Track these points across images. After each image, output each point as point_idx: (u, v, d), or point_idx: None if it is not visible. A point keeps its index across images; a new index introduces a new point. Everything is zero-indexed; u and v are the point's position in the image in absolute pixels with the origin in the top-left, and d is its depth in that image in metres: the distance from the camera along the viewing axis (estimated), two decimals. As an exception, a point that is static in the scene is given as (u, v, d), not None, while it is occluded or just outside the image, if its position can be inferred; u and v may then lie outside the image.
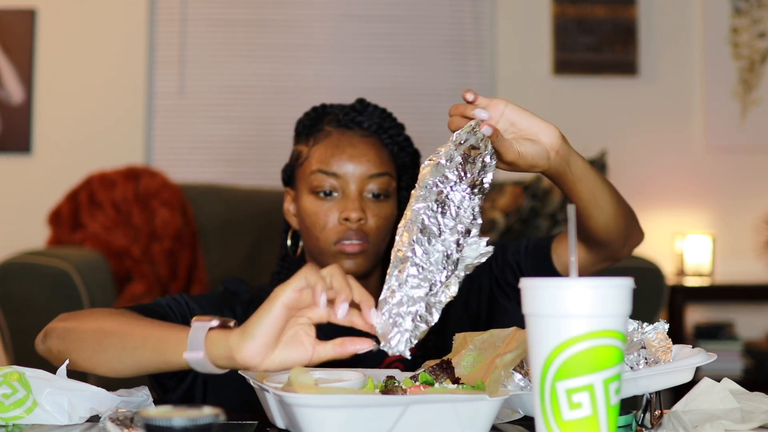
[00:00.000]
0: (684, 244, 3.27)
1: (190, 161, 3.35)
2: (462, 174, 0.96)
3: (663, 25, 3.46)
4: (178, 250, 2.85)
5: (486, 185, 0.97)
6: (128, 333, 0.98)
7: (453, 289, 0.92)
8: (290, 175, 1.37)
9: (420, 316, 0.90)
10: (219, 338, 0.88)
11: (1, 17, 3.31)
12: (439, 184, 0.95)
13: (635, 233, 1.26)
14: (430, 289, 0.91)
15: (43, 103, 3.33)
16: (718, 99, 3.43)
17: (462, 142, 0.98)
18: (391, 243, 1.34)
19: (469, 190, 0.96)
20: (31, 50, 3.32)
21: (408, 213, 0.94)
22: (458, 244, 0.94)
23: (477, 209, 0.96)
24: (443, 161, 0.96)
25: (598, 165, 2.85)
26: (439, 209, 0.94)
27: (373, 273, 1.33)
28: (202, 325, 0.90)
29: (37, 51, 3.34)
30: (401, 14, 3.44)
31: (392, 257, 0.92)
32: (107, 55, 3.36)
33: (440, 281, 0.92)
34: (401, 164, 1.35)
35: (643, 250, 3.24)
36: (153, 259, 2.81)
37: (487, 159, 0.99)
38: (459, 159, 0.97)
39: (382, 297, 0.90)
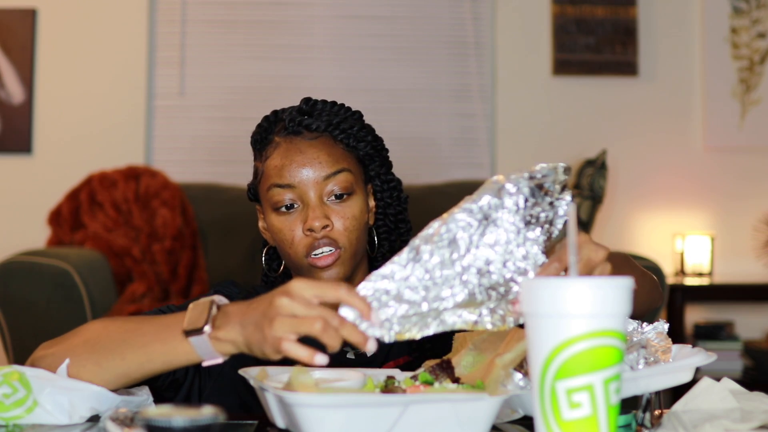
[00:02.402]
0: (684, 244, 3.27)
1: (190, 161, 3.35)
2: (524, 209, 0.92)
3: (663, 25, 3.46)
4: (178, 250, 2.85)
5: (551, 230, 0.92)
6: (127, 348, 0.98)
7: (449, 320, 0.89)
8: (255, 192, 1.34)
9: (396, 320, 0.88)
10: (225, 339, 0.91)
11: (1, 17, 3.31)
12: (492, 207, 0.91)
13: (656, 302, 1.23)
14: (424, 299, 0.89)
15: (44, 103, 3.33)
16: (718, 99, 3.43)
17: (538, 177, 0.93)
18: (371, 239, 1.31)
19: (523, 226, 0.91)
20: (31, 50, 3.32)
21: (446, 216, 0.91)
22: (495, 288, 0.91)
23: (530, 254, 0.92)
24: (510, 187, 0.91)
25: (598, 165, 2.85)
26: (480, 230, 0.90)
27: (356, 274, 1.29)
28: (200, 339, 0.91)
29: (37, 51, 3.34)
30: (401, 14, 3.44)
31: (417, 241, 0.90)
32: (107, 55, 3.36)
33: (443, 298, 0.90)
34: (364, 155, 1.29)
35: (643, 250, 3.25)
36: (153, 259, 2.81)
37: (560, 207, 0.93)
38: (527, 191, 0.92)
39: (381, 271, 0.89)
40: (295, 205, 1.23)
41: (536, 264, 0.92)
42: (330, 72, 3.42)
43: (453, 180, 3.19)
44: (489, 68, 3.44)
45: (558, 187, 0.95)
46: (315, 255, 1.21)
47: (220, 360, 0.93)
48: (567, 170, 0.96)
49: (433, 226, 0.90)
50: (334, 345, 0.85)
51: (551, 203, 0.94)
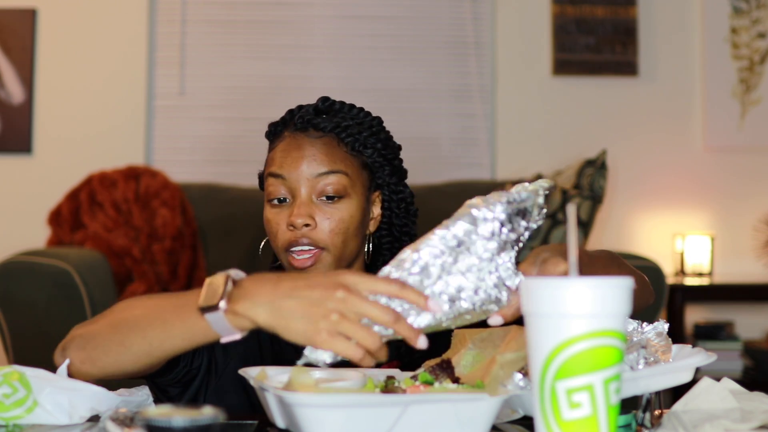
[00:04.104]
0: (684, 244, 3.27)
1: (190, 161, 3.35)
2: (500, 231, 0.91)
3: (663, 25, 3.46)
4: (178, 250, 2.85)
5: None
6: (149, 326, 0.98)
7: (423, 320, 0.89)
8: (262, 182, 1.33)
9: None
10: (243, 315, 0.90)
11: (1, 17, 3.31)
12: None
13: (647, 299, 1.22)
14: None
15: (44, 103, 3.33)
16: (718, 99, 3.43)
17: (516, 201, 0.92)
18: (362, 242, 1.29)
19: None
20: (31, 50, 3.32)
21: (419, 242, 0.90)
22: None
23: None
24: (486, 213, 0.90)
25: (598, 165, 2.85)
26: (453, 256, 0.90)
27: (353, 267, 1.28)
28: (216, 315, 0.90)
29: (37, 51, 3.34)
30: (401, 14, 3.44)
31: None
32: (107, 55, 3.36)
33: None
34: (372, 162, 1.28)
35: (642, 250, 3.25)
36: (153, 259, 2.81)
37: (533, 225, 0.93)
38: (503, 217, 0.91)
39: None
40: (287, 200, 1.23)
41: (506, 286, 0.91)
42: (330, 72, 3.42)
43: (453, 180, 3.19)
44: (489, 68, 3.44)
45: (536, 210, 0.93)
46: (293, 251, 1.21)
47: (238, 336, 0.92)
48: (550, 188, 0.94)
49: (406, 253, 0.90)
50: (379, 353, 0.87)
51: (526, 228, 0.93)
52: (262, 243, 1.35)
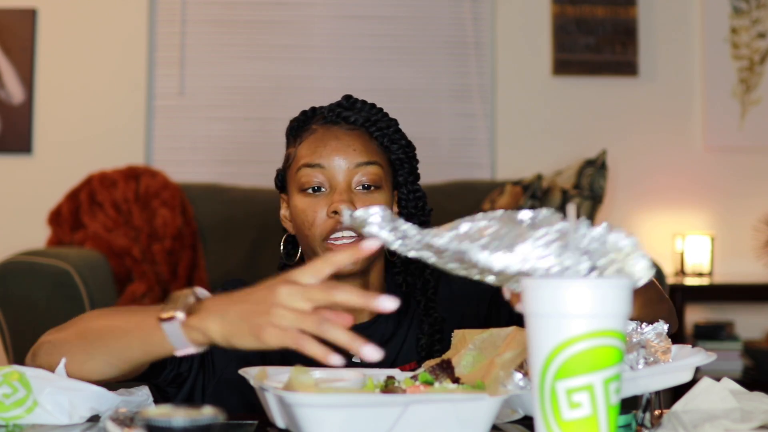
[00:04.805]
0: (684, 244, 3.27)
1: (190, 161, 3.35)
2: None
3: (663, 25, 3.46)
4: (178, 250, 2.85)
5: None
6: (111, 336, 0.99)
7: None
8: (282, 179, 1.34)
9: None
10: (197, 328, 0.90)
11: (1, 17, 3.31)
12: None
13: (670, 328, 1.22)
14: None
15: (43, 103, 3.33)
16: (718, 99, 3.43)
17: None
18: None
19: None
20: (31, 50, 3.32)
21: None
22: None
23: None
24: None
25: (598, 165, 2.85)
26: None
27: (371, 272, 1.28)
28: (172, 326, 0.90)
29: (37, 51, 3.34)
30: (401, 14, 3.44)
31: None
32: (107, 55, 3.36)
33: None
34: (396, 158, 1.30)
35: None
36: (153, 259, 2.81)
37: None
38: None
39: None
40: (323, 189, 1.24)
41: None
42: (330, 72, 3.42)
43: (453, 180, 3.19)
44: (489, 68, 3.44)
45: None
46: (334, 238, 1.21)
47: (192, 350, 0.92)
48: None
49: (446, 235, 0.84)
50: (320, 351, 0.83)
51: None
52: (283, 237, 1.35)
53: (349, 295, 0.84)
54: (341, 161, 1.23)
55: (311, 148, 1.25)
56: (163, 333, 0.91)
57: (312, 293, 0.84)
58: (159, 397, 1.19)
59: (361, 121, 1.28)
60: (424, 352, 1.24)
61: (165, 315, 0.91)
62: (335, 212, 1.21)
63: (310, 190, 1.24)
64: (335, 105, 1.31)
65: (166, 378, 1.17)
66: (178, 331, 0.90)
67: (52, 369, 1.01)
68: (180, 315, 0.90)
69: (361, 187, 1.24)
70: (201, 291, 0.94)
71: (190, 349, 0.92)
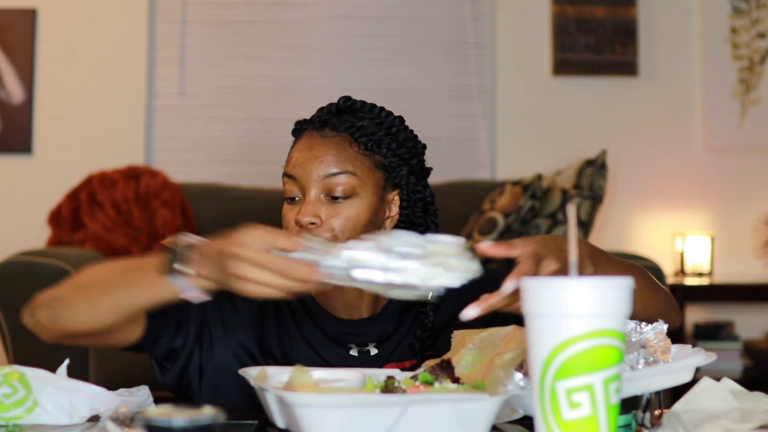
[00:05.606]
0: (684, 244, 3.28)
1: (190, 161, 3.35)
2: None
3: (663, 25, 3.47)
4: (178, 250, 2.85)
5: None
6: (114, 285, 1.06)
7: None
8: None
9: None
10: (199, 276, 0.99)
11: (1, 17, 3.31)
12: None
13: (670, 318, 1.22)
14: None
15: (44, 103, 3.33)
16: (718, 99, 3.43)
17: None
18: None
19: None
20: (31, 50, 3.32)
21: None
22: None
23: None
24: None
25: (598, 165, 2.85)
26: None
27: None
28: (181, 279, 0.99)
29: (37, 51, 3.34)
30: (401, 15, 3.44)
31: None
32: (107, 55, 3.36)
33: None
34: (388, 162, 1.28)
35: (643, 250, 3.25)
36: (153, 259, 2.81)
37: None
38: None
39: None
40: (297, 198, 1.26)
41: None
42: (330, 72, 3.42)
43: (453, 180, 3.19)
44: (489, 68, 3.44)
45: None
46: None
47: (195, 293, 0.99)
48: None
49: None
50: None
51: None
52: None
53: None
54: (310, 173, 1.24)
55: (290, 158, 1.28)
56: (167, 281, 0.99)
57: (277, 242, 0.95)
58: (158, 372, 1.23)
59: (344, 127, 1.27)
60: (418, 356, 1.24)
61: (175, 268, 0.99)
62: (298, 223, 1.23)
63: (289, 200, 1.27)
64: (329, 109, 1.30)
65: (162, 352, 1.20)
66: (181, 277, 0.99)
67: (54, 320, 1.08)
68: (189, 271, 0.99)
69: (331, 197, 1.24)
70: (191, 236, 1.03)
71: (193, 292, 0.99)
